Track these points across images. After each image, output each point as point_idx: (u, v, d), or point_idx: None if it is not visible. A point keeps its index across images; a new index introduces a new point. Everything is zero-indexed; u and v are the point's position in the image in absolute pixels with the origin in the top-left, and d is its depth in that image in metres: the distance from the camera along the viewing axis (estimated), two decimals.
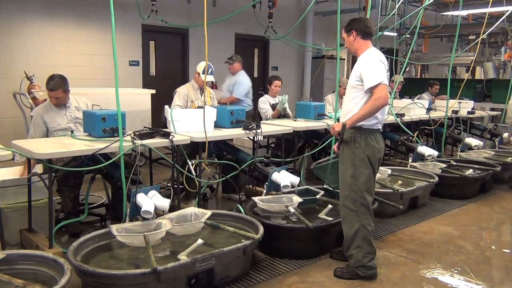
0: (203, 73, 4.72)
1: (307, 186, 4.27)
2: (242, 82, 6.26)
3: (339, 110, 5.62)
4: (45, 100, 4.46)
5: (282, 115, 5.71)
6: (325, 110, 5.37)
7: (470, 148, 6.51)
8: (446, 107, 6.37)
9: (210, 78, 4.77)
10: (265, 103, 5.78)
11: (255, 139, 4.31)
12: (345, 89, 6.01)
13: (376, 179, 3.29)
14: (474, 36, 9.44)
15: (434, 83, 8.42)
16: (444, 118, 6.38)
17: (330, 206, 3.83)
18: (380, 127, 3.19)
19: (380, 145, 3.15)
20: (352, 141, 3.07)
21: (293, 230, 3.46)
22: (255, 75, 10.31)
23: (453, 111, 6.85)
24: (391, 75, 8.44)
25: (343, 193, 3.15)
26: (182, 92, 4.80)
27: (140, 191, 3.20)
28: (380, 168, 4.31)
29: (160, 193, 3.33)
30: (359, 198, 3.07)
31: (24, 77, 5.94)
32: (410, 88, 9.54)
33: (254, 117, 6.09)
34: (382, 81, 2.94)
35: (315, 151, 5.09)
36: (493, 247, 3.90)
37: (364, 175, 3.06)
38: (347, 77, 12.24)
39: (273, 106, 5.75)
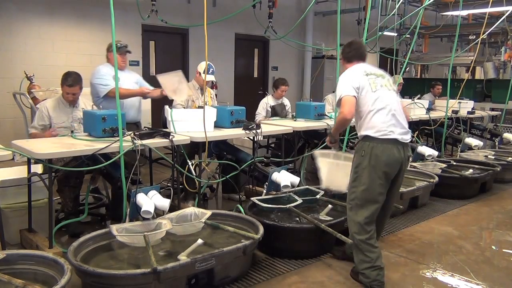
0: (204, 72, 4.73)
1: (307, 186, 4.28)
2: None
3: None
4: (45, 99, 4.46)
5: (284, 115, 5.72)
6: (325, 110, 5.38)
7: (470, 148, 6.51)
8: (446, 107, 6.37)
9: (211, 77, 4.78)
10: (263, 108, 5.77)
11: (255, 139, 4.31)
12: None
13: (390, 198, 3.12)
14: (474, 36, 9.43)
15: (436, 84, 8.32)
16: (444, 118, 6.38)
17: (330, 206, 3.83)
18: (396, 137, 2.92)
19: (389, 158, 2.90)
20: (360, 149, 3.02)
21: (293, 230, 3.46)
22: (255, 75, 10.30)
23: (453, 111, 6.85)
24: (391, 75, 8.43)
25: (349, 195, 3.09)
26: None
27: (140, 191, 3.20)
28: None
29: (160, 193, 3.33)
30: (357, 201, 3.01)
31: (24, 77, 5.94)
32: (410, 88, 9.53)
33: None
34: (343, 95, 2.97)
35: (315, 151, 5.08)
36: (493, 247, 3.90)
37: (363, 184, 2.94)
38: None
39: (274, 108, 5.74)
